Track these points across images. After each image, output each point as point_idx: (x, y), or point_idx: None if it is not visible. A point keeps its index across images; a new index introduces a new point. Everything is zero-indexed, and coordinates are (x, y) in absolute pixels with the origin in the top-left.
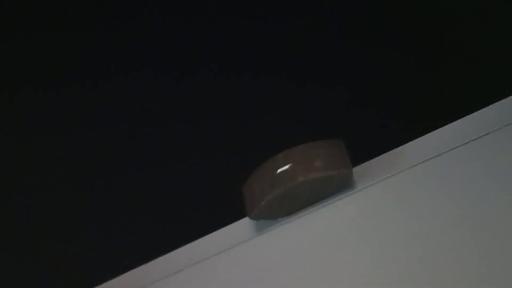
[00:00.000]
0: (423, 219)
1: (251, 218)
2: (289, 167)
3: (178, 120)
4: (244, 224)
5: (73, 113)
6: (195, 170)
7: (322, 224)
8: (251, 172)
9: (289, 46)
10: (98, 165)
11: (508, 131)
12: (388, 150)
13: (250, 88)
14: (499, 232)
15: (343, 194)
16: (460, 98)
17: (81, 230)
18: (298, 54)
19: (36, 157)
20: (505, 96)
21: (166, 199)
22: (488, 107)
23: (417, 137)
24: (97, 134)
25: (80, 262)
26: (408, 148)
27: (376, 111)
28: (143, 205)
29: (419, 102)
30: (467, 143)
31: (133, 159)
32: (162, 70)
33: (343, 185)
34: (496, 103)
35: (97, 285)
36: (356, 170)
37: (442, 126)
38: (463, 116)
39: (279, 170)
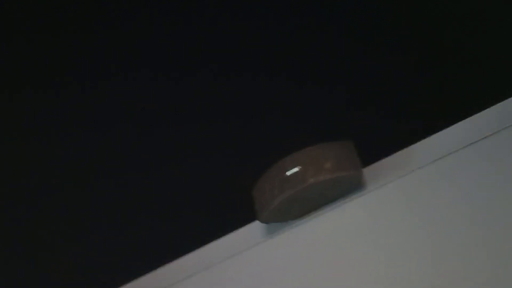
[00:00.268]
0: (434, 219)
1: (262, 221)
2: (299, 169)
3: (187, 123)
4: (254, 228)
5: (81, 114)
6: (204, 174)
7: (333, 226)
8: (260, 175)
9: (299, 46)
10: (106, 170)
11: None
12: (398, 151)
13: (258, 90)
14: (510, 230)
15: (353, 196)
16: (469, 96)
17: (92, 236)
18: (308, 55)
19: (42, 159)
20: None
21: (176, 204)
22: (497, 104)
23: (427, 136)
24: (104, 136)
25: (92, 268)
26: (418, 148)
27: (385, 112)
28: (154, 210)
29: (427, 102)
30: (476, 141)
31: (143, 164)
32: (165, 71)
33: (353, 186)
34: (505, 101)
35: None
36: (366, 171)
37: (451, 125)
38: (472, 114)
39: (288, 173)
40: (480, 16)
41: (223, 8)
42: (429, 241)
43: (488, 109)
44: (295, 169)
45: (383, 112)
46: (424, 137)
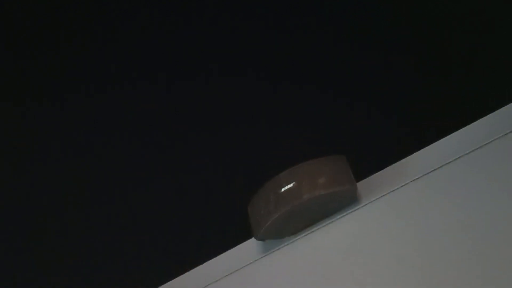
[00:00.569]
0: (429, 230)
1: (257, 238)
2: (293, 185)
3: (180, 139)
4: (250, 245)
5: (82, 123)
6: (197, 192)
7: (329, 241)
8: (255, 191)
9: (294, 56)
10: (98, 190)
11: (510, 138)
12: (391, 163)
13: (251, 107)
14: (505, 243)
15: (348, 210)
16: (459, 108)
17: (86, 256)
18: (301, 67)
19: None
20: (505, 103)
21: (169, 222)
22: (488, 115)
23: (419, 149)
24: (102, 145)
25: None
26: (412, 160)
27: (378, 125)
28: (147, 230)
29: (419, 115)
30: (469, 152)
31: (137, 180)
32: (160, 88)
33: (348, 200)
34: (497, 110)
35: None
36: (360, 185)
37: (444, 137)
38: (464, 126)
39: (283, 189)
40: (480, 19)
41: (234, 18)
42: (425, 253)
43: (479, 120)
44: (290, 185)
45: (375, 126)
46: (417, 150)
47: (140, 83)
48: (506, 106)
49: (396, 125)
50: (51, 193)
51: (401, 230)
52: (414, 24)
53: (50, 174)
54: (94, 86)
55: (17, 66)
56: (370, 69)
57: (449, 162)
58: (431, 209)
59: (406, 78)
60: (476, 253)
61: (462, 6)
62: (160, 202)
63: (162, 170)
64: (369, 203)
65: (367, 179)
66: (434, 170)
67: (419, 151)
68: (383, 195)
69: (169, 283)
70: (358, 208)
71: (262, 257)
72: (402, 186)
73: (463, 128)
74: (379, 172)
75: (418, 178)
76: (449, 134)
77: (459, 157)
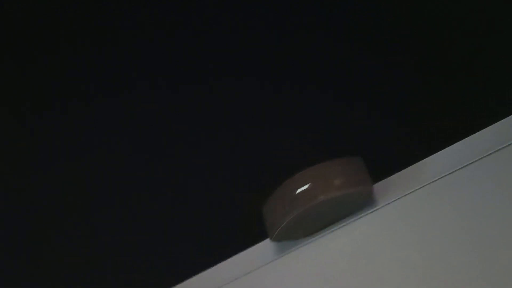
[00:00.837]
0: (445, 234)
1: (273, 239)
2: (309, 186)
3: (196, 140)
4: (265, 246)
5: (85, 135)
6: (214, 193)
7: (344, 243)
8: (270, 193)
9: (307, 59)
10: (110, 191)
11: None
12: (408, 165)
13: (267, 108)
14: None
15: (364, 212)
16: (478, 111)
17: (100, 257)
18: (313, 72)
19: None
20: None
21: (185, 223)
22: (502, 120)
23: (436, 152)
24: (111, 152)
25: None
26: (428, 163)
27: (396, 127)
28: (163, 230)
29: (437, 117)
30: (486, 156)
31: (150, 182)
32: (168, 91)
33: (363, 202)
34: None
35: None
36: (376, 187)
37: (460, 140)
38: (482, 129)
39: (298, 190)
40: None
41: (230, 25)
42: (440, 256)
43: (498, 122)
44: (305, 187)
45: (392, 128)
46: (433, 152)
47: (149, 86)
48: None
49: (413, 129)
50: (57, 196)
51: (416, 232)
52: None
53: (53, 178)
54: (95, 88)
55: (16, 68)
56: (390, 76)
57: (466, 165)
58: (446, 212)
59: (427, 84)
60: (491, 258)
61: (462, 6)
62: (178, 204)
63: (179, 173)
64: (385, 205)
65: (383, 181)
66: (451, 173)
67: (436, 154)
68: (400, 197)
69: (184, 282)
70: (374, 210)
71: (277, 259)
72: (419, 188)
73: (481, 131)
74: (395, 174)
75: (434, 180)
76: (466, 137)
77: (476, 160)
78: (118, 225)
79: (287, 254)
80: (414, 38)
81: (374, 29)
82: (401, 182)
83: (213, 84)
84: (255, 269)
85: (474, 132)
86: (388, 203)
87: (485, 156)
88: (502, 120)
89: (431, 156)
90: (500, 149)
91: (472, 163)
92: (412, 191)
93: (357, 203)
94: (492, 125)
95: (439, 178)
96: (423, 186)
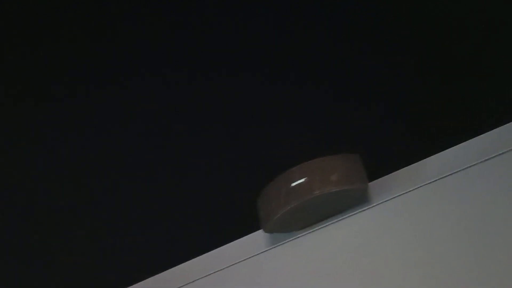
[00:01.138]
0: (439, 235)
1: (266, 230)
2: (305, 180)
3: (193, 130)
4: (258, 236)
5: (83, 118)
6: (211, 181)
7: (336, 238)
8: (266, 184)
9: (306, 56)
10: (111, 173)
11: None
12: (405, 166)
13: (265, 100)
14: None
15: (358, 209)
16: (479, 115)
17: (95, 239)
18: (315, 67)
19: (44, 162)
20: None
21: (181, 210)
22: (507, 124)
23: (434, 153)
24: (109, 139)
25: (94, 271)
26: (425, 164)
27: (394, 127)
28: (159, 215)
29: (437, 119)
30: (484, 160)
31: (148, 169)
32: (171, 78)
33: (359, 199)
34: None
35: None
36: (373, 185)
37: (460, 143)
38: (481, 133)
39: (294, 183)
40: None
41: (227, 16)
42: (433, 256)
43: (497, 128)
44: (301, 180)
45: (392, 127)
46: (431, 154)
47: (148, 80)
48: None
49: (413, 129)
50: (53, 179)
51: (410, 232)
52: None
53: (50, 172)
54: (95, 83)
55: (16, 63)
56: (391, 75)
57: (463, 169)
58: (441, 213)
59: (427, 84)
60: (485, 258)
61: (462, 6)
62: (173, 193)
63: (176, 160)
64: (379, 203)
65: (379, 179)
66: (447, 175)
67: (434, 155)
68: (395, 197)
69: (179, 266)
70: (368, 208)
71: (269, 249)
72: (415, 188)
73: (478, 137)
74: (392, 174)
75: (431, 182)
76: (465, 141)
77: (473, 164)
78: (114, 207)
79: (279, 245)
80: (414, 38)
81: (373, 27)
82: (397, 181)
83: (213, 79)
84: (247, 258)
85: (473, 135)
86: (383, 202)
87: (483, 161)
88: (504, 125)
89: (429, 158)
90: (499, 154)
91: (470, 166)
92: (407, 192)
93: (352, 200)
94: (492, 131)
95: (434, 180)
96: (419, 187)
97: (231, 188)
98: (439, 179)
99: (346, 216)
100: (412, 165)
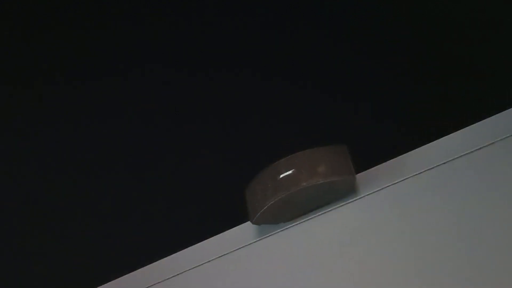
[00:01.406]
0: (426, 227)
1: (253, 222)
2: (292, 172)
3: (181, 122)
4: (246, 228)
5: (73, 110)
6: (198, 173)
7: (324, 230)
8: (254, 176)
9: (293, 49)
10: (98, 166)
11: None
12: (392, 158)
13: (253, 92)
14: (503, 241)
15: (346, 201)
16: (465, 106)
17: (80, 232)
18: (304, 57)
19: (35, 155)
20: (510, 105)
21: (168, 201)
22: (493, 116)
23: (422, 145)
24: (96, 132)
25: (78, 264)
26: (412, 156)
27: (381, 118)
28: (145, 206)
29: (424, 110)
30: (472, 152)
31: (134, 161)
32: (161, 73)
33: (346, 191)
34: (502, 112)
35: (96, 286)
36: (360, 176)
37: (447, 135)
38: (468, 125)
39: (282, 175)
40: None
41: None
42: (421, 248)
43: (483, 120)
44: (289, 172)
45: (378, 118)
46: (419, 146)
47: (144, 76)
48: (510, 109)
49: (399, 121)
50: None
51: (398, 224)
52: (414, 24)
53: (44, 165)
54: (93, 80)
55: (19, 53)
56: (377, 67)
57: (451, 160)
58: (429, 205)
59: (410, 76)
60: (471, 250)
61: (462, 6)
62: (160, 183)
63: (161, 153)
64: (367, 195)
65: (367, 171)
66: (434, 167)
67: (421, 147)
68: (382, 189)
69: (164, 259)
70: (355, 200)
71: (256, 241)
72: (402, 180)
73: (465, 128)
74: (379, 165)
75: (417, 174)
76: (451, 133)
77: (461, 156)
78: (99, 200)
79: (267, 237)
80: (406, 33)
81: (359, 21)
82: (385, 173)
83: (200, 75)
84: (234, 250)
85: (461, 128)
86: (370, 193)
87: (470, 152)
88: (493, 116)
89: (416, 149)
90: (486, 145)
91: (457, 158)
92: (395, 183)
93: (340, 191)
94: (480, 122)
95: (422, 172)
96: (406, 178)
97: (218, 180)
98: (426, 170)
99: (334, 207)
100: (400, 156)
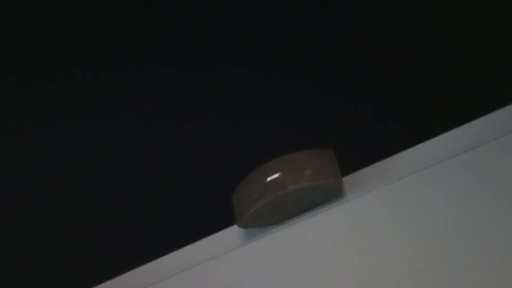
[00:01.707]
0: (413, 230)
1: (240, 226)
2: (279, 175)
3: (173, 125)
4: (232, 232)
5: (70, 109)
6: (184, 176)
7: (311, 233)
8: (240, 179)
9: (293, 49)
10: (97, 166)
11: (502, 142)
12: (379, 160)
13: (252, 92)
14: (492, 241)
15: (333, 204)
16: (455, 107)
17: (70, 234)
18: (302, 59)
19: (33, 154)
20: (500, 106)
21: (154, 206)
22: (482, 117)
23: (409, 147)
24: (96, 132)
25: (70, 265)
26: (399, 159)
27: (368, 120)
28: (131, 210)
29: (411, 112)
30: (459, 154)
31: (124, 163)
32: (164, 71)
33: (333, 194)
34: (491, 113)
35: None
36: (346, 179)
37: (434, 137)
38: (456, 126)
39: (268, 179)
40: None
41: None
42: (408, 251)
43: (471, 121)
44: (275, 175)
45: (365, 121)
46: (405, 148)
47: (144, 75)
48: (500, 110)
49: (386, 123)
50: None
51: (385, 227)
52: (414, 24)
53: (42, 162)
54: (91, 77)
55: (19, 53)
56: (364, 67)
57: (438, 163)
58: (416, 208)
59: (399, 77)
60: (462, 252)
61: (462, 6)
62: (146, 186)
63: (149, 155)
64: (354, 198)
65: (353, 174)
66: (422, 170)
67: (408, 149)
68: (369, 192)
69: (151, 263)
70: (342, 203)
71: (243, 245)
72: (389, 184)
73: (455, 129)
74: (366, 168)
75: (405, 176)
76: (440, 134)
77: (448, 158)
78: (88, 203)
79: (254, 241)
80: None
81: (359, 21)
82: (371, 176)
83: (190, 75)
84: (221, 254)
85: (448, 130)
86: (357, 197)
87: (458, 154)
88: (479, 119)
89: (403, 152)
90: (474, 147)
91: (444, 160)
92: (384, 186)
93: (326, 195)
94: (468, 123)
95: (409, 175)
96: (393, 182)
97: (205, 184)
98: (413, 173)
99: (321, 211)
100: (386, 159)
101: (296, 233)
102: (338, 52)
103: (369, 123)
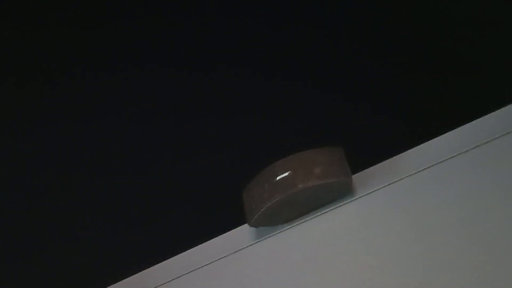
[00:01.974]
0: (422, 226)
1: (251, 224)
2: (289, 174)
3: (177, 124)
4: (243, 231)
5: (70, 109)
6: (195, 176)
7: (321, 231)
8: (251, 178)
9: (293, 49)
10: (97, 166)
11: (508, 139)
12: (388, 158)
13: (252, 92)
14: (498, 238)
15: (342, 202)
16: (461, 105)
17: (80, 236)
18: (302, 59)
19: (37, 156)
20: (506, 103)
21: (165, 205)
22: (488, 114)
23: (417, 144)
24: (96, 132)
25: (79, 268)
26: (408, 156)
27: (377, 118)
28: (142, 211)
29: (419, 110)
30: (467, 151)
31: (132, 164)
32: (161, 73)
33: (342, 192)
34: (497, 110)
35: None
36: (356, 177)
37: (442, 134)
38: (463, 124)
39: (278, 177)
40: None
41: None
42: (418, 247)
43: (479, 118)
44: (285, 174)
45: (374, 119)
46: (414, 145)
47: (144, 75)
48: (505, 107)
49: (395, 121)
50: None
51: (394, 224)
52: (414, 24)
53: (43, 161)
54: (91, 77)
55: (19, 53)
56: (372, 66)
57: (446, 159)
58: (425, 205)
59: (406, 76)
60: (470, 247)
61: (462, 6)
62: (158, 186)
63: (159, 155)
64: (363, 196)
65: (362, 172)
66: (430, 166)
67: (417, 147)
68: (378, 189)
69: (162, 263)
70: (352, 201)
71: (254, 243)
72: (398, 181)
73: (461, 127)
74: (375, 166)
75: (414, 173)
76: (447, 132)
77: (456, 155)
78: (99, 203)
79: (264, 239)
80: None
81: (359, 21)
82: (381, 173)
83: (197, 75)
84: (232, 253)
85: (456, 127)
86: (367, 194)
87: (466, 151)
88: (489, 114)
89: (412, 149)
90: (482, 144)
91: (453, 157)
92: (393, 183)
93: (336, 193)
94: (475, 120)
95: (419, 171)
96: (402, 178)
97: (215, 183)
98: (422, 170)
99: (330, 209)
100: (395, 157)
101: (306, 231)
102: (338, 52)
103: (378, 122)
